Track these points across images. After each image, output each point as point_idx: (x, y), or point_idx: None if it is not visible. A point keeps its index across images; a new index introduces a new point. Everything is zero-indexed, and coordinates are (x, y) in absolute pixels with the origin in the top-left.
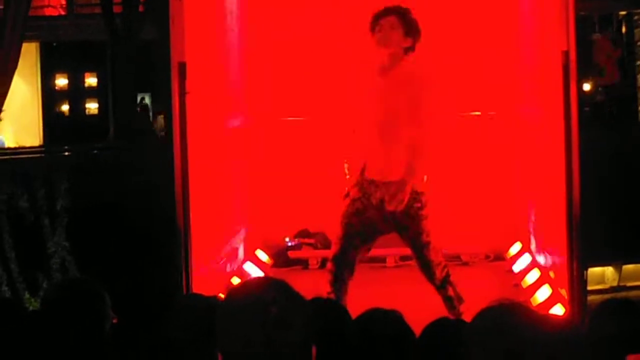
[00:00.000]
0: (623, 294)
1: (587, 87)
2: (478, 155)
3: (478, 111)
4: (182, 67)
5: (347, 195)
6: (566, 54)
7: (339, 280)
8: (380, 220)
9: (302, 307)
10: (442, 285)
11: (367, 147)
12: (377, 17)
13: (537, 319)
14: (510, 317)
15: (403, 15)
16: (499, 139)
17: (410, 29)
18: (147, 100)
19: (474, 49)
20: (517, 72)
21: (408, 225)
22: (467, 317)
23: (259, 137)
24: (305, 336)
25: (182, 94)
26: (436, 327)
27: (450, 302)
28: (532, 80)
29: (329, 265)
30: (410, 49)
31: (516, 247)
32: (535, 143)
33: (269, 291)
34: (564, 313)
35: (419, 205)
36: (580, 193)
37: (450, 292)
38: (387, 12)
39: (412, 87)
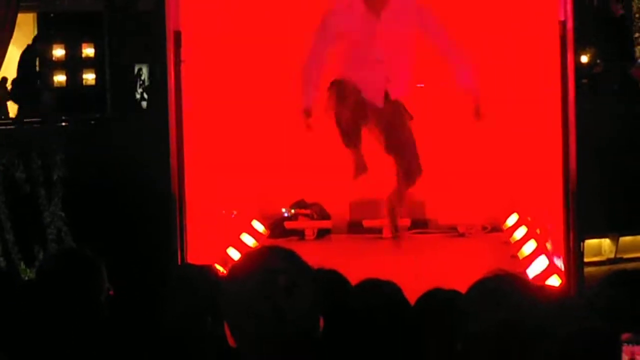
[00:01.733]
0: (620, 266)
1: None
2: (475, 127)
3: None
4: (178, 36)
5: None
6: (563, 24)
7: None
8: None
9: (310, 277)
10: None
11: None
12: None
13: (532, 290)
14: (506, 288)
15: None
16: (497, 110)
17: None
18: (145, 71)
19: (470, 20)
20: (515, 44)
21: None
22: (464, 289)
23: (255, 108)
24: (313, 306)
25: (178, 63)
26: (430, 298)
27: None
28: (531, 50)
29: None
30: None
31: (513, 219)
32: (533, 114)
33: (276, 260)
34: (560, 284)
35: None
36: (576, 164)
37: None
38: None
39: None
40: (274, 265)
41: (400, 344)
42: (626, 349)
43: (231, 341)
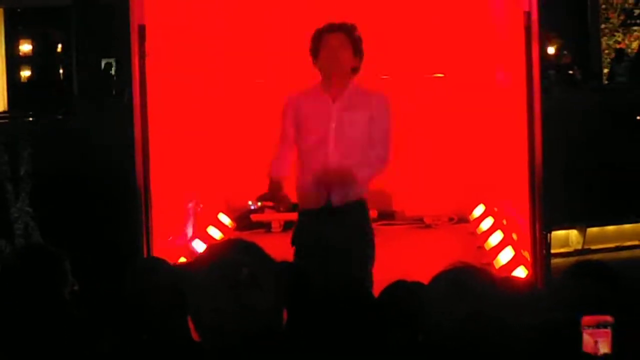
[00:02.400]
0: (587, 257)
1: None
2: (441, 118)
3: (441, 73)
4: (142, 29)
5: None
6: (528, 14)
7: None
8: None
9: (273, 269)
10: None
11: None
12: (321, 34)
13: (494, 281)
14: (467, 280)
15: (351, 33)
16: (463, 101)
17: (358, 48)
18: (112, 65)
19: (435, 9)
20: (480, 34)
21: None
22: (430, 280)
23: (222, 100)
24: (276, 299)
25: (142, 56)
26: (393, 289)
27: None
28: (495, 42)
29: None
30: (356, 70)
31: (479, 210)
32: (498, 104)
33: (239, 253)
34: (527, 275)
35: None
36: (542, 155)
37: None
38: (334, 28)
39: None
40: (236, 258)
41: (364, 336)
42: (587, 333)
43: (195, 335)
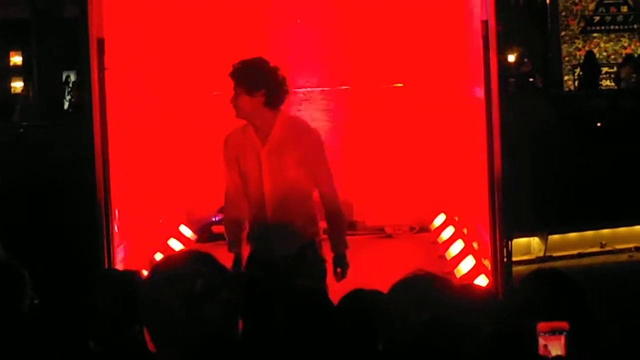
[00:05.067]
0: (549, 264)
1: (512, 58)
2: (401, 127)
3: (400, 83)
4: (101, 43)
5: None
6: (485, 23)
7: None
8: None
9: (227, 280)
10: None
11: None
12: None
13: (452, 289)
14: (425, 288)
15: (240, 76)
16: (422, 110)
17: (253, 84)
18: (72, 78)
19: (394, 20)
20: (439, 44)
21: None
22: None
23: (184, 112)
24: (231, 309)
25: (101, 69)
26: (352, 299)
27: None
28: (454, 51)
29: None
30: (271, 100)
31: (440, 219)
32: (458, 113)
33: (194, 264)
34: (488, 284)
35: None
36: (501, 164)
37: None
38: (231, 76)
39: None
40: (191, 269)
41: (322, 345)
42: (542, 339)
43: (151, 346)
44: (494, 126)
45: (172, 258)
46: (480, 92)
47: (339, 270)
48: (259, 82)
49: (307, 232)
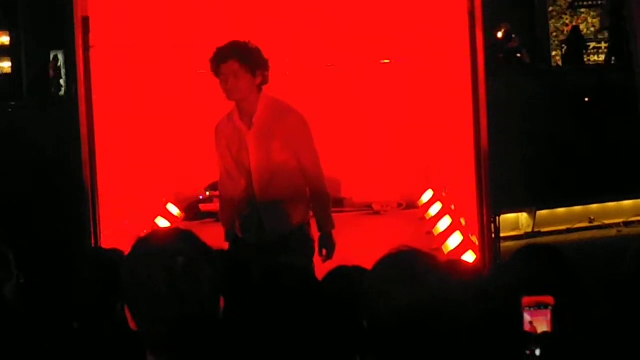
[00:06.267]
0: (538, 239)
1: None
2: (388, 104)
3: (388, 59)
4: (86, 21)
5: None
6: (471, 0)
7: None
8: None
9: (209, 257)
10: None
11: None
12: (217, 63)
13: (437, 265)
14: (409, 263)
15: (244, 55)
16: (409, 87)
17: (256, 64)
18: (60, 58)
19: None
20: (426, 20)
21: None
22: None
23: (171, 91)
24: (213, 287)
25: (86, 48)
26: (335, 275)
27: None
28: (441, 27)
29: None
30: (266, 80)
31: (428, 195)
32: (445, 90)
33: (176, 241)
34: (476, 259)
35: None
36: (488, 139)
37: None
38: (226, 55)
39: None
40: (172, 246)
41: (305, 323)
42: (527, 313)
43: (132, 324)
44: (481, 102)
45: (154, 235)
46: (467, 68)
47: (324, 251)
48: (260, 61)
49: (297, 215)
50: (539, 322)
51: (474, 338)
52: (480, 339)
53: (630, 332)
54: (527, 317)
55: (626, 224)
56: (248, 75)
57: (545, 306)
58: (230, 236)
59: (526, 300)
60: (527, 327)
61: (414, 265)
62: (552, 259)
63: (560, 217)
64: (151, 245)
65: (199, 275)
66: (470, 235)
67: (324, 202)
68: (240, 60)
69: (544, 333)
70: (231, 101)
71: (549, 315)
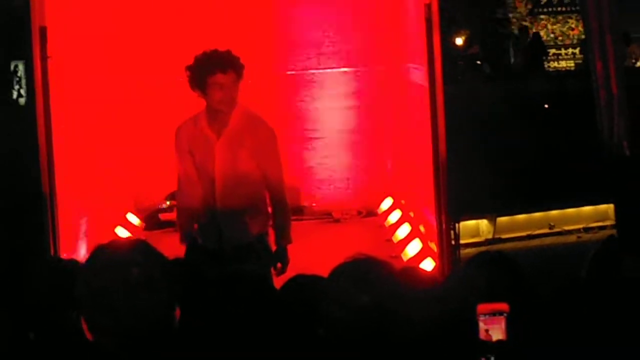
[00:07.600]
0: (498, 246)
1: (459, 40)
2: (347, 111)
3: (348, 67)
4: (43, 31)
5: None
6: (428, 7)
7: None
8: None
9: (165, 268)
10: None
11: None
12: (213, 72)
13: (392, 272)
14: (365, 271)
15: (238, 66)
16: (367, 94)
17: (241, 76)
18: (21, 68)
19: (342, 5)
20: (384, 27)
21: None
22: None
23: (128, 100)
24: (168, 296)
25: (44, 58)
26: (292, 284)
27: None
28: (400, 34)
29: None
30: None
31: (387, 202)
32: (404, 97)
33: (131, 252)
34: (435, 267)
35: None
36: (446, 146)
37: None
38: (225, 66)
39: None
40: (129, 257)
41: (262, 331)
42: (482, 321)
43: (88, 335)
44: (438, 109)
45: (109, 246)
46: (424, 76)
47: (279, 265)
48: (242, 73)
49: (256, 226)
50: (494, 330)
51: (429, 346)
52: (436, 347)
53: (586, 336)
54: (482, 325)
55: (586, 229)
56: (237, 83)
57: (500, 313)
58: (187, 239)
59: (481, 307)
60: (482, 335)
61: (369, 273)
62: (506, 266)
63: (521, 223)
64: (106, 257)
65: (154, 286)
66: (429, 242)
67: (284, 215)
68: (236, 71)
69: (499, 341)
70: (218, 109)
71: (503, 323)
